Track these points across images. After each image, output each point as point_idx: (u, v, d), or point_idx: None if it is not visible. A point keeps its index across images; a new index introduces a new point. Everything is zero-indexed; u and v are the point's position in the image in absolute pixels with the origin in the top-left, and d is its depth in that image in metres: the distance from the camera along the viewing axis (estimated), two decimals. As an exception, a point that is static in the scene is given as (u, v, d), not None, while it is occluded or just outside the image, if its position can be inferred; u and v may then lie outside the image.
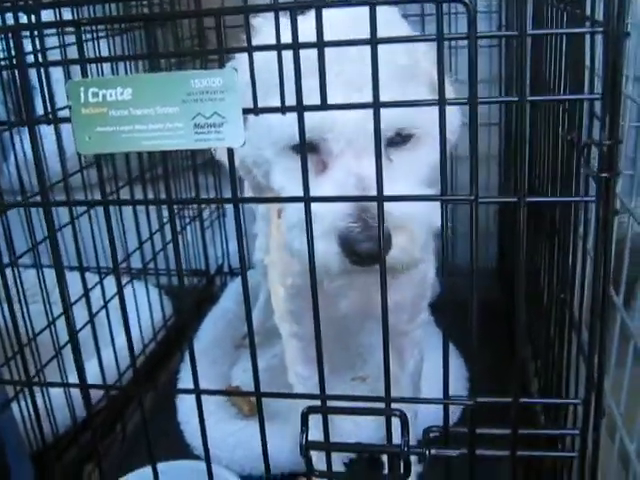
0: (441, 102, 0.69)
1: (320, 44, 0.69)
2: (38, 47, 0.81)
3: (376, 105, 0.70)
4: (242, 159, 1.03)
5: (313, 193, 0.75)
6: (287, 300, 1.28)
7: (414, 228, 0.89)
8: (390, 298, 0.81)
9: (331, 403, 0.84)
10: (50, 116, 0.85)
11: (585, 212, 0.94)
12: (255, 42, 0.72)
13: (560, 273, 1.14)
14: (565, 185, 1.06)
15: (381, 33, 0.68)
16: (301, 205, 0.75)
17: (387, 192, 0.73)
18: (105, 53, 1.79)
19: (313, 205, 0.76)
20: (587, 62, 0.89)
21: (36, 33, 0.85)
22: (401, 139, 0.94)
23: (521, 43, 0.67)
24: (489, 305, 2.13)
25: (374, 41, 0.68)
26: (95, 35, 1.77)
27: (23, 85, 0.78)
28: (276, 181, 0.98)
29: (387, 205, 0.75)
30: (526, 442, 0.83)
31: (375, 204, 0.74)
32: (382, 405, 0.83)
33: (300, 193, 0.75)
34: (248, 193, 1.25)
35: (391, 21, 0.94)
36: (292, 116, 0.72)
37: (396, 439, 0.83)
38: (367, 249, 0.85)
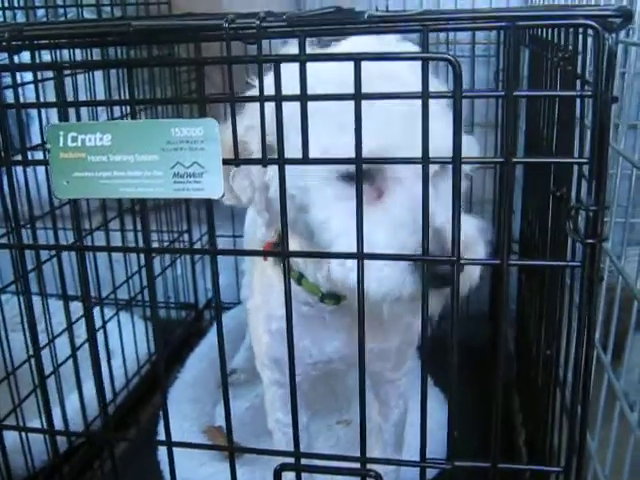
0: (425, 160, 0.68)
1: (303, 97, 0.68)
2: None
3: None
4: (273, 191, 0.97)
5: (368, 221, 0.73)
6: (270, 347, 1.26)
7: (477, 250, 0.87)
8: (374, 345, 0.79)
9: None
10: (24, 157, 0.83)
11: (572, 273, 0.92)
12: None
13: (547, 329, 1.12)
14: (556, 242, 1.05)
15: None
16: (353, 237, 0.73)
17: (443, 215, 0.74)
18: (83, 87, 1.77)
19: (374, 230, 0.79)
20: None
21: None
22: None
23: (507, 104, 0.66)
24: (480, 347, 2.12)
25: (357, 96, 0.67)
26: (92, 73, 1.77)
27: (1, 125, 0.76)
28: (320, 211, 0.93)
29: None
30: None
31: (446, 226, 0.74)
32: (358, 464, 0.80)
33: (349, 223, 0.74)
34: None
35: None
36: (351, 142, 0.70)
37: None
38: (446, 270, 0.82)
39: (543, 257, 1.10)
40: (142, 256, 2.02)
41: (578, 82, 0.89)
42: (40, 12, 1.80)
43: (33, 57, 0.77)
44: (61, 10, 1.86)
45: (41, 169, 1.75)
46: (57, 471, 1.53)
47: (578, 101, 0.87)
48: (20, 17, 1.76)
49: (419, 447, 0.81)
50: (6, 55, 0.78)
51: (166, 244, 2.27)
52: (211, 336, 2.28)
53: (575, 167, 0.86)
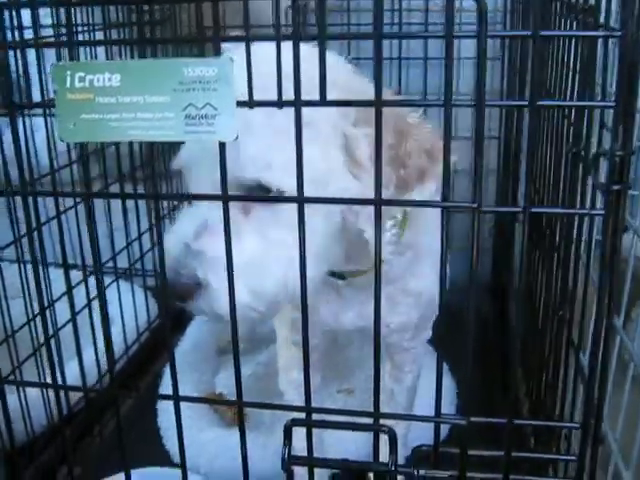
0: (447, 103, 0.66)
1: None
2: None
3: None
4: None
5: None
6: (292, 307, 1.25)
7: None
8: (395, 319, 0.78)
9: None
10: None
11: (590, 227, 0.90)
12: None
13: (559, 290, 1.10)
14: (567, 201, 1.03)
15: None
16: None
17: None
18: (101, 50, 1.75)
19: None
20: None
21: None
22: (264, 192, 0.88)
23: (534, 43, 0.64)
24: (482, 320, 2.11)
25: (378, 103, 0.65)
26: (92, 27, 1.74)
27: (2, 65, 0.74)
28: None
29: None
30: (514, 465, 0.79)
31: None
32: (370, 420, 0.78)
33: None
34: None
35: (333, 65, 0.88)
36: None
37: (384, 456, 0.79)
38: (173, 293, 0.86)
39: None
40: (142, 224, 2.00)
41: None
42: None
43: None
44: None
45: (39, 134, 1.72)
46: (58, 435, 1.51)
47: (599, 48, 0.85)
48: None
49: (426, 413, 0.80)
50: None
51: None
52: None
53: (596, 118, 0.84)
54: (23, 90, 1.22)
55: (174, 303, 0.87)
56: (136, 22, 1.72)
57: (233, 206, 0.79)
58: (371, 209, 0.71)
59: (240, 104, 0.68)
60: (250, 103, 0.69)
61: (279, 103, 0.69)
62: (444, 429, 0.82)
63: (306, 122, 0.71)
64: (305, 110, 0.68)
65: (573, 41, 1.04)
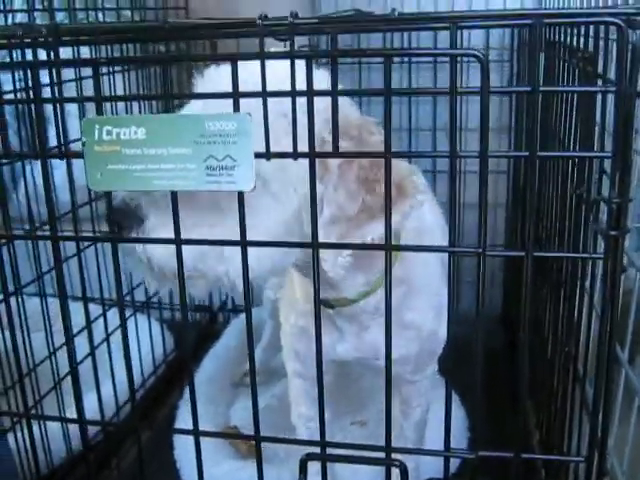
0: (452, 154, 0.70)
1: (334, 92, 0.70)
2: (55, 81, 0.82)
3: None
4: None
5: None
6: (292, 337, 1.28)
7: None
8: (393, 351, 0.81)
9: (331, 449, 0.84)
10: (63, 149, 0.86)
11: (592, 268, 0.93)
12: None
13: (565, 326, 1.13)
14: (572, 239, 1.06)
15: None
16: None
17: None
18: (120, 87, 1.80)
19: None
20: (597, 119, 0.90)
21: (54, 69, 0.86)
22: None
23: (533, 100, 0.68)
24: (492, 352, 2.13)
25: (387, 91, 0.69)
26: (111, 69, 1.79)
27: (38, 119, 0.79)
28: None
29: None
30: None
31: None
32: (382, 454, 0.82)
33: None
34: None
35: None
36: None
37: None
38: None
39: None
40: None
41: (599, 82, 0.90)
42: (59, 16, 1.82)
43: (72, 53, 0.79)
44: (80, 15, 1.89)
45: (59, 172, 1.77)
46: (77, 467, 1.54)
47: (599, 100, 0.89)
48: (40, 21, 1.78)
49: (436, 447, 0.82)
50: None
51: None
52: (225, 338, 2.29)
53: (595, 164, 0.88)
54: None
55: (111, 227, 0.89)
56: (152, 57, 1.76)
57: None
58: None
59: (258, 155, 0.72)
60: (267, 155, 0.74)
61: (294, 155, 0.73)
62: (455, 462, 0.85)
63: (284, 113, 0.75)
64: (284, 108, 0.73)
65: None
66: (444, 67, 2.20)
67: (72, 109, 1.63)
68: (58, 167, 1.85)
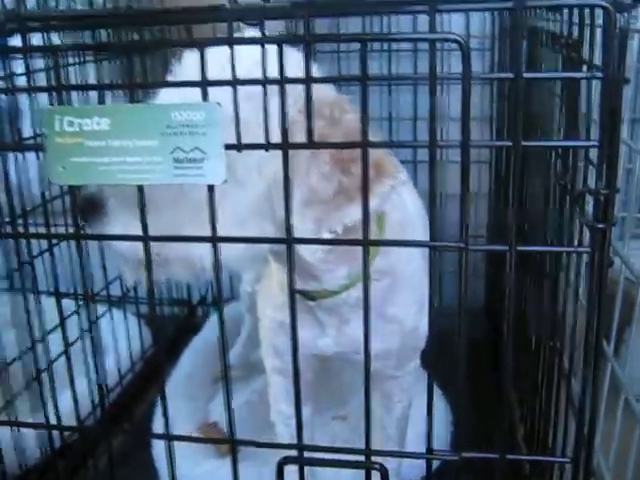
0: (432, 144, 0.67)
1: (308, 79, 0.66)
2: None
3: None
4: None
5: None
6: (271, 332, 1.25)
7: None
8: (374, 346, 0.78)
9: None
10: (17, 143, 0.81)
11: (578, 260, 0.91)
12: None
13: (550, 320, 1.11)
14: (556, 231, 1.04)
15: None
16: None
17: None
18: (92, 79, 1.75)
19: None
20: (582, 108, 0.87)
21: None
22: None
23: (516, 87, 0.65)
24: (475, 343, 2.10)
25: (363, 77, 0.65)
26: (82, 59, 1.74)
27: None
28: None
29: None
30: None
31: None
32: (362, 457, 0.79)
33: None
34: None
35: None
36: None
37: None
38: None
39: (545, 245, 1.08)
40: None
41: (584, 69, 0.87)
42: (31, 3, 1.76)
43: (25, 41, 0.74)
44: (52, 3, 1.84)
45: (33, 165, 1.72)
46: (51, 469, 1.51)
47: (583, 87, 0.86)
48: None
49: (419, 443, 0.80)
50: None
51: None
52: (205, 332, 2.25)
53: (580, 155, 0.85)
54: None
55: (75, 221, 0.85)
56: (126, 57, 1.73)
57: None
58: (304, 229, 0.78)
59: (228, 147, 0.69)
60: (239, 146, 0.70)
61: (266, 146, 0.70)
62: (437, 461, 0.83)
63: (248, 96, 0.72)
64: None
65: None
66: (424, 56, 2.15)
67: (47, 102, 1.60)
68: (32, 162, 1.82)
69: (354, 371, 1.67)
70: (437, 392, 1.54)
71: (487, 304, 2.34)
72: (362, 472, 1.43)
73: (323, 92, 0.86)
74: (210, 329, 2.28)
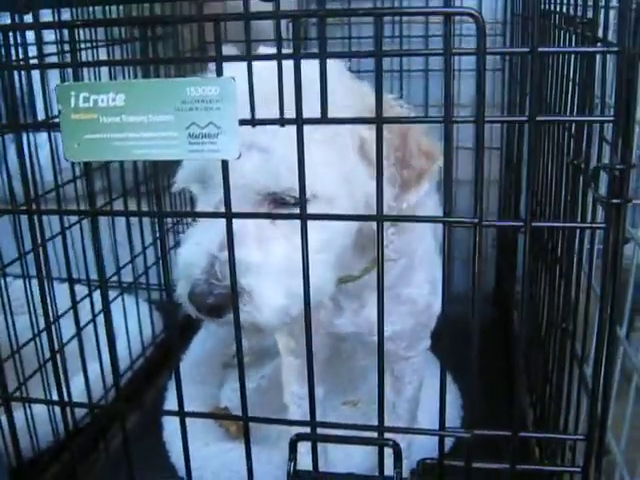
0: (447, 119, 0.66)
1: (322, 54, 0.66)
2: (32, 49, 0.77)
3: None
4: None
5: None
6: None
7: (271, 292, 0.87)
8: (388, 327, 0.78)
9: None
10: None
11: (592, 240, 0.90)
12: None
13: (562, 303, 1.11)
14: (569, 211, 1.03)
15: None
16: None
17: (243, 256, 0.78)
18: (104, 68, 1.76)
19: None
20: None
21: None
22: (293, 202, 0.88)
23: (532, 60, 0.64)
24: (485, 329, 2.11)
25: (378, 53, 0.65)
26: (95, 44, 1.75)
27: (10, 86, 0.75)
28: None
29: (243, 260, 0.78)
30: (519, 476, 0.79)
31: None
32: (375, 434, 0.79)
33: None
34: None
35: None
36: None
37: (388, 469, 0.79)
38: (207, 305, 0.84)
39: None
40: (146, 238, 2.01)
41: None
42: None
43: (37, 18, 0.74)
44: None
45: (43, 151, 1.72)
46: (64, 450, 1.51)
47: (598, 65, 0.85)
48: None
49: (429, 425, 0.80)
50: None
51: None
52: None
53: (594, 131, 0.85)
54: (27, 109, 1.24)
55: (206, 317, 0.86)
56: (138, 38, 1.74)
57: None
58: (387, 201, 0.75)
59: (242, 122, 0.69)
60: (252, 121, 0.70)
61: (281, 121, 0.70)
62: (448, 441, 0.83)
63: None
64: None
65: (572, 55, 1.05)
66: (436, 42, 2.17)
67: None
68: (42, 146, 1.81)
69: (365, 355, 1.68)
70: (448, 377, 1.56)
71: (496, 291, 2.34)
72: (373, 453, 1.43)
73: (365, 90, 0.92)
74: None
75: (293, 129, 0.69)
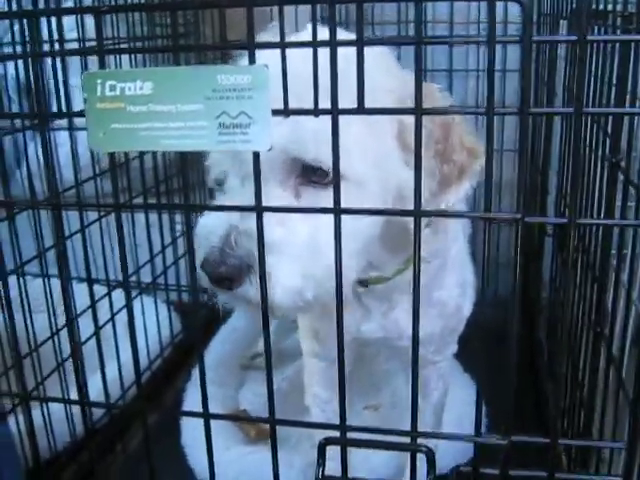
0: (489, 111, 0.63)
1: (359, 41, 0.63)
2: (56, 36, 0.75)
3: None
4: None
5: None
6: (311, 315, 1.22)
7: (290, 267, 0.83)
8: (420, 329, 0.75)
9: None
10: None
11: (634, 241, 0.87)
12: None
13: (595, 305, 1.07)
14: (604, 211, 1.00)
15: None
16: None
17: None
18: (126, 63, 1.74)
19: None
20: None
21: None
22: (318, 177, 0.85)
23: (579, 51, 0.61)
24: (509, 334, 2.07)
25: (419, 40, 0.62)
26: (117, 41, 1.73)
27: (35, 74, 0.72)
28: None
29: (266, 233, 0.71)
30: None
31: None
32: (405, 439, 0.76)
33: None
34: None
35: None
36: None
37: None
38: (217, 273, 0.82)
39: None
40: (165, 238, 1.99)
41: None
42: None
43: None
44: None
45: (63, 150, 1.70)
46: (81, 451, 1.49)
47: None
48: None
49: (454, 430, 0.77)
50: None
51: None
52: (233, 319, 2.23)
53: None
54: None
55: (216, 287, 0.84)
56: (160, 35, 1.72)
57: (285, 188, 0.83)
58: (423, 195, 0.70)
59: (275, 112, 0.66)
60: (286, 111, 0.67)
61: (315, 111, 0.67)
62: (469, 448, 0.79)
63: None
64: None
65: (609, 48, 1.01)
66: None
67: (75, 82, 1.58)
68: (62, 144, 1.80)
69: (387, 359, 1.65)
70: (470, 383, 1.52)
71: (522, 297, 2.30)
72: (391, 456, 1.40)
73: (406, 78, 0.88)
74: (238, 317, 2.26)
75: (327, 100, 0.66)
